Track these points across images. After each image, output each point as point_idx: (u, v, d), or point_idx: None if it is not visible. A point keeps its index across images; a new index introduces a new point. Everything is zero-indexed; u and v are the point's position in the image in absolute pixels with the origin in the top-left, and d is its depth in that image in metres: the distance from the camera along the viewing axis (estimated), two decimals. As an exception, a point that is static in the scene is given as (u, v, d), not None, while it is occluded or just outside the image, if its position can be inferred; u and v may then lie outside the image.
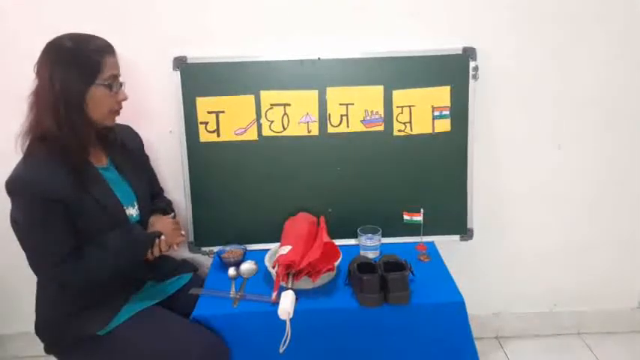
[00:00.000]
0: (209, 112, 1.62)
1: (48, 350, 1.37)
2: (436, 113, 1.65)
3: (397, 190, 1.70)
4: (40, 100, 1.21)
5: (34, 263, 1.23)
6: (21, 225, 1.21)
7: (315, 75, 1.61)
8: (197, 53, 1.58)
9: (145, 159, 1.58)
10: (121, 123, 1.46)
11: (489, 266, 1.90)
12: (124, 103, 1.32)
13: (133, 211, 1.38)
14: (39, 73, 1.22)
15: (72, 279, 1.25)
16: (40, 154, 1.21)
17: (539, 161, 1.79)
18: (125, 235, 1.30)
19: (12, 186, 1.19)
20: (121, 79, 1.29)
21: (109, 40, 1.29)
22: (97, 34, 1.26)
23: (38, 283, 1.35)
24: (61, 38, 1.22)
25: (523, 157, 1.78)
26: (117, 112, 1.31)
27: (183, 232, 1.43)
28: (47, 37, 1.23)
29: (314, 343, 1.36)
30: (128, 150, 1.46)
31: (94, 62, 1.21)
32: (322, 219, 1.67)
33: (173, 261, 1.61)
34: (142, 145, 1.58)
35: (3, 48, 1.59)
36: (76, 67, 1.20)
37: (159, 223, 1.40)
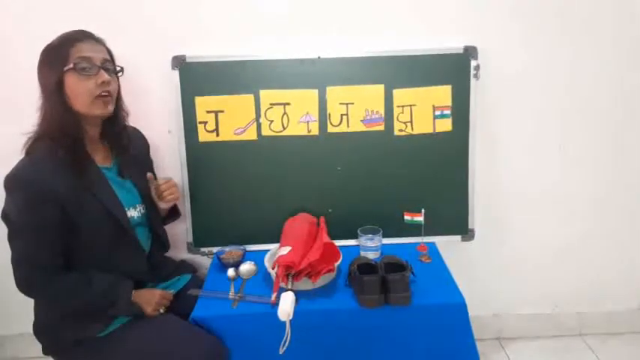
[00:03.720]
0: (208, 112, 1.61)
1: (46, 352, 1.36)
2: (437, 113, 1.64)
3: (398, 190, 1.69)
4: (40, 101, 1.23)
5: (14, 262, 1.22)
6: (12, 222, 1.21)
7: (315, 74, 1.60)
8: (196, 52, 1.58)
9: (150, 162, 1.58)
10: (129, 125, 1.45)
11: (491, 267, 1.89)
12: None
13: (134, 213, 1.37)
14: (37, 76, 1.24)
15: (41, 290, 1.24)
16: (41, 152, 1.22)
17: (541, 161, 1.78)
18: (111, 287, 1.29)
19: (11, 182, 1.19)
20: (106, 63, 1.26)
21: (108, 40, 1.29)
22: (94, 32, 1.26)
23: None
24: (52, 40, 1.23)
25: (524, 157, 1.77)
26: (104, 98, 1.24)
27: (162, 310, 1.37)
28: (48, 37, 1.23)
29: (314, 344, 1.35)
30: (136, 152, 1.45)
31: (61, 50, 1.20)
32: (322, 219, 1.66)
33: (172, 262, 1.61)
34: (148, 148, 1.58)
35: (3, 50, 1.59)
36: (49, 60, 1.20)
37: (144, 294, 1.36)
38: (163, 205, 1.48)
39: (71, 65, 1.19)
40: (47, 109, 1.22)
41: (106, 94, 1.25)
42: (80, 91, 1.21)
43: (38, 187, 1.18)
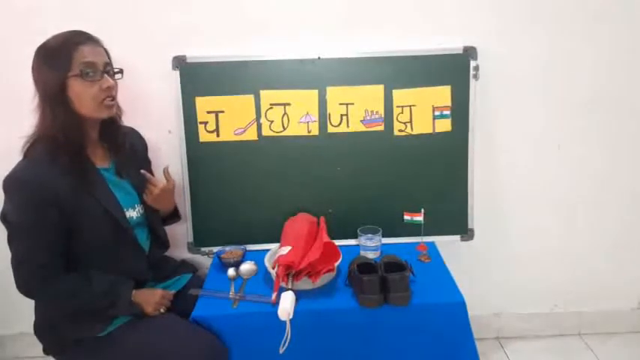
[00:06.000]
0: (208, 112, 1.62)
1: (47, 351, 1.36)
2: (437, 113, 1.65)
3: (397, 190, 1.69)
4: (37, 102, 1.22)
5: (14, 263, 1.22)
6: (11, 224, 1.21)
7: (315, 74, 1.61)
8: (196, 52, 1.58)
9: (148, 163, 1.58)
10: (126, 125, 1.46)
11: (490, 266, 1.89)
12: (124, 103, 1.31)
13: (132, 213, 1.37)
14: (32, 77, 1.22)
15: (41, 291, 1.24)
16: (39, 154, 1.22)
17: (540, 161, 1.78)
18: (112, 287, 1.29)
19: (8, 184, 1.19)
20: (108, 67, 1.26)
21: (109, 40, 1.28)
22: (94, 33, 1.26)
23: None
24: (47, 39, 1.22)
25: (523, 157, 1.78)
26: (108, 103, 1.25)
27: (162, 310, 1.37)
28: (46, 39, 1.23)
29: (314, 344, 1.35)
30: (133, 152, 1.45)
31: (63, 54, 1.18)
32: (322, 219, 1.66)
33: (173, 262, 1.61)
34: (147, 148, 1.58)
35: (2, 50, 1.59)
36: (50, 63, 1.19)
37: (145, 294, 1.36)
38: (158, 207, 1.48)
39: (77, 72, 1.19)
40: (48, 112, 1.20)
41: (111, 98, 1.26)
42: (85, 97, 1.21)
43: (37, 189, 1.18)
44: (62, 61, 1.18)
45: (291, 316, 1.24)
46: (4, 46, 1.58)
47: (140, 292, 1.36)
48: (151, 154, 1.60)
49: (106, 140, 1.36)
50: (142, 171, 1.41)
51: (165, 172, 1.47)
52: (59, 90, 1.19)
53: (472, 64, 1.62)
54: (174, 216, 1.61)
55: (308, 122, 1.64)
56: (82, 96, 1.21)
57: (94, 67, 1.21)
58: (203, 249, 1.72)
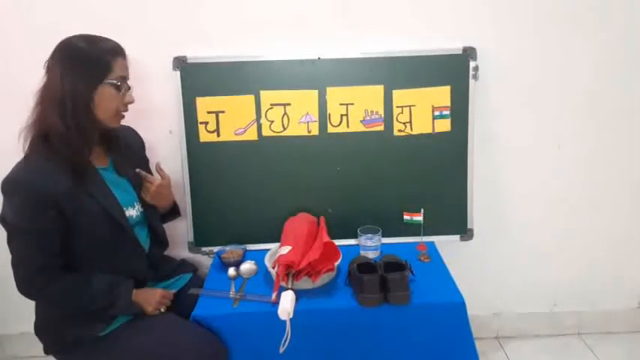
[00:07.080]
0: (209, 112, 1.62)
1: (47, 351, 1.37)
2: (436, 113, 1.65)
3: (397, 190, 1.70)
4: (48, 96, 1.21)
5: (14, 264, 1.23)
6: (10, 225, 1.21)
7: (315, 75, 1.61)
8: (197, 53, 1.59)
9: (145, 161, 1.58)
10: (123, 124, 1.46)
11: (489, 266, 1.90)
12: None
13: (132, 212, 1.38)
14: (49, 70, 1.22)
15: (41, 292, 1.25)
16: (41, 152, 1.22)
17: (539, 161, 1.79)
18: (112, 287, 1.29)
19: (8, 186, 1.19)
20: (129, 83, 1.30)
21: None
22: (95, 33, 1.26)
23: None
24: (74, 37, 1.23)
25: (523, 157, 1.78)
26: (122, 115, 1.31)
27: (163, 310, 1.37)
28: (48, 38, 1.23)
29: (314, 343, 1.36)
30: (130, 151, 1.46)
31: (104, 62, 1.22)
32: (322, 219, 1.66)
33: (173, 261, 1.61)
34: (144, 147, 1.58)
35: (5, 51, 1.59)
36: (86, 66, 1.20)
37: (145, 294, 1.37)
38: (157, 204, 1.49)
39: (114, 82, 1.23)
40: (69, 112, 1.19)
41: (126, 111, 1.31)
42: (110, 105, 1.25)
43: (35, 190, 1.18)
44: (101, 68, 1.21)
45: (291, 316, 1.25)
46: (6, 45, 1.59)
47: (140, 291, 1.36)
48: (151, 154, 1.60)
49: (102, 140, 1.37)
50: (137, 170, 1.42)
51: (158, 168, 1.48)
52: (89, 94, 1.21)
53: (471, 64, 1.62)
54: (174, 212, 1.61)
55: (308, 122, 1.65)
56: (108, 104, 1.24)
57: (125, 82, 1.27)
58: (203, 249, 1.72)
